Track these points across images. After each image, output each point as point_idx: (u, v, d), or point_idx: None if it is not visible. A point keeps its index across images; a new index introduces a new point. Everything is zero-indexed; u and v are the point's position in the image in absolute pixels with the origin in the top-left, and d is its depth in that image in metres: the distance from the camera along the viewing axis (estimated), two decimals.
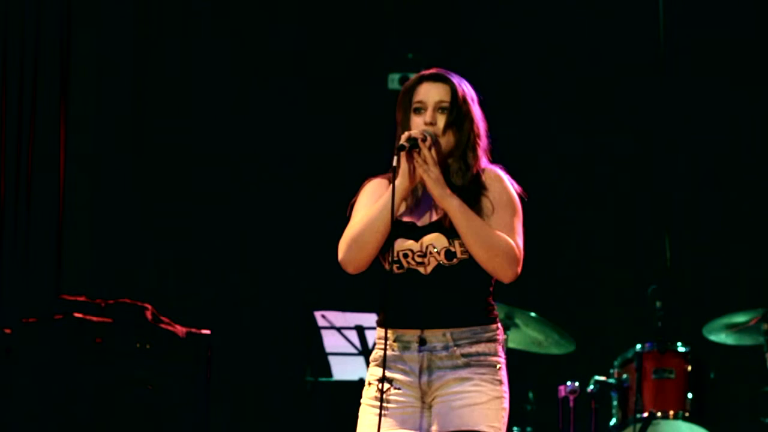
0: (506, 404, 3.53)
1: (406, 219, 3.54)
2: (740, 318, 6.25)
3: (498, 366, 3.53)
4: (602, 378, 6.24)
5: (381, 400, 3.51)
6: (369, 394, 3.57)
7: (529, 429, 6.58)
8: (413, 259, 3.51)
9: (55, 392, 5.29)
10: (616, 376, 6.27)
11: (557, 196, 7.52)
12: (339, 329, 6.76)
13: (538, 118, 7.60)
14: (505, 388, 3.53)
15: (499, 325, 3.57)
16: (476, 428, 3.44)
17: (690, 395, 6.16)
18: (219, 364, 5.97)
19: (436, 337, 3.50)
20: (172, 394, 5.54)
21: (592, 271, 7.46)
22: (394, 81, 7.78)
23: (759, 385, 6.30)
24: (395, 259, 3.52)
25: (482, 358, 3.50)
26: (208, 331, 5.72)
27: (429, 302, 3.50)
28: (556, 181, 7.53)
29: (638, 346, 6.22)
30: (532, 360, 6.76)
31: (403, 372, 3.53)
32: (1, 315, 6.01)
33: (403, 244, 3.52)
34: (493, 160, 3.61)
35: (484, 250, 3.45)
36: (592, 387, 6.17)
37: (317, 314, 6.77)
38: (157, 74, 7.43)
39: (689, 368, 6.19)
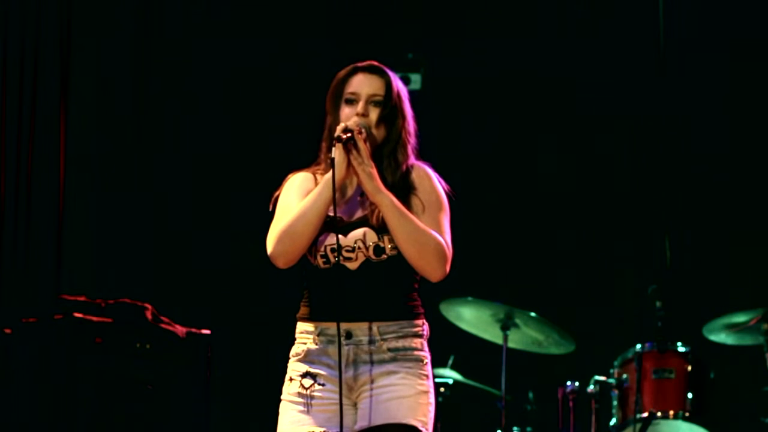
0: (432, 399, 3.46)
1: (333, 214, 3.45)
2: (740, 318, 6.25)
3: (425, 361, 3.46)
4: (602, 378, 6.24)
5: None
6: (291, 389, 3.49)
7: (529, 429, 6.57)
8: (341, 254, 3.43)
9: (55, 392, 5.29)
10: (616, 376, 6.27)
11: (557, 196, 7.51)
12: None
13: (537, 116, 7.59)
14: (431, 383, 3.47)
15: (425, 321, 3.52)
16: (404, 421, 3.37)
17: (690, 395, 6.16)
18: (219, 364, 5.96)
19: (362, 330, 3.43)
20: (172, 394, 5.54)
21: (592, 271, 7.45)
22: None
23: (759, 385, 6.29)
24: (322, 253, 3.45)
25: (408, 353, 3.44)
26: (208, 331, 5.72)
27: (355, 296, 3.43)
28: (556, 181, 7.52)
29: (638, 346, 6.22)
30: (532, 360, 6.76)
31: (328, 367, 3.46)
32: (1, 315, 6.01)
33: (330, 239, 3.44)
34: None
35: (416, 247, 3.38)
36: (592, 387, 6.18)
37: None
38: (157, 74, 7.43)
39: (689, 368, 6.19)
